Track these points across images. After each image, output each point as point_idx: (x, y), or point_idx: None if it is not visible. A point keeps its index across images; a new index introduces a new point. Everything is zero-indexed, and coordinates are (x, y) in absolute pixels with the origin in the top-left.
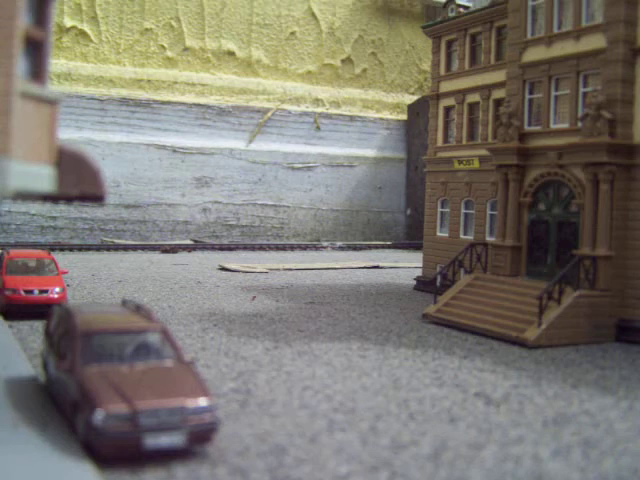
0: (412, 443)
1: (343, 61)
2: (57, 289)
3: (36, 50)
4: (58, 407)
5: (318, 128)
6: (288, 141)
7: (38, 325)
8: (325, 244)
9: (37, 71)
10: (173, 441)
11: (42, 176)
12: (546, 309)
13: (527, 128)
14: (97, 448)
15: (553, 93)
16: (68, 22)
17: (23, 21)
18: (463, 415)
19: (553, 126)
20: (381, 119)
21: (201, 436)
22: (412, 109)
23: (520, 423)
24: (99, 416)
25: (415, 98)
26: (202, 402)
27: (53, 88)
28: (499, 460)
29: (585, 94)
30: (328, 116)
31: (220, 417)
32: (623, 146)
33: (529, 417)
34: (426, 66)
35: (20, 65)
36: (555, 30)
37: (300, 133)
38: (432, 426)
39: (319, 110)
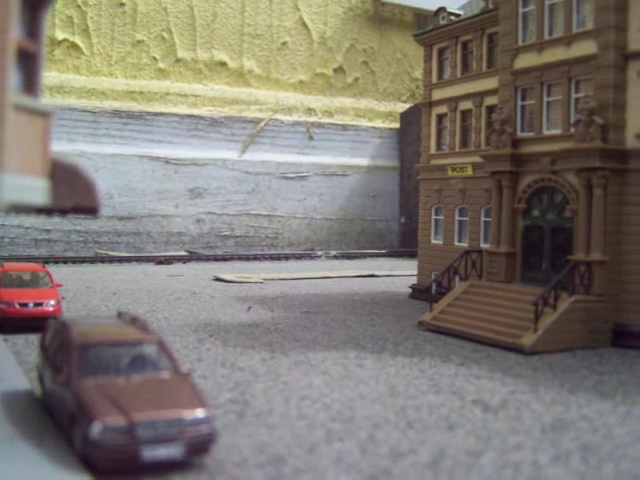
0: (411, 451)
1: (335, 70)
2: (52, 302)
3: (29, 62)
4: (54, 420)
5: (311, 137)
6: (281, 151)
7: (33, 338)
8: (319, 253)
9: (30, 83)
10: (171, 453)
11: (36, 189)
12: (542, 315)
13: (520, 134)
14: (94, 461)
15: (545, 99)
16: (60, 35)
17: (16, 34)
18: (461, 422)
19: (546, 132)
20: (374, 128)
21: (199, 447)
22: (404, 117)
23: (518, 430)
24: (96, 429)
25: (407, 106)
26: (199, 413)
27: (45, 101)
28: (498, 467)
29: (577, 100)
30: (321, 125)
31: (218, 428)
32: (616, 151)
33: (527, 423)
34: (418, 74)
35: (13, 77)
36: (546, 36)
37: (293, 143)
38: (430, 434)
39: (311, 119)
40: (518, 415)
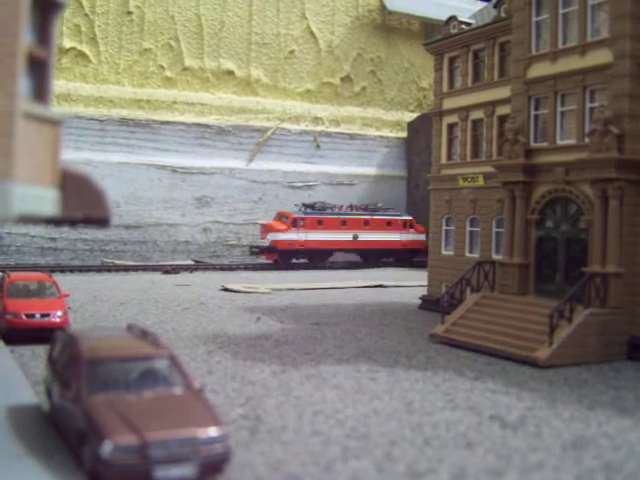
0: (430, 470)
1: (342, 79)
2: (59, 313)
3: (39, 69)
4: (63, 437)
5: (318, 147)
6: (288, 160)
7: (40, 350)
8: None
9: (40, 91)
10: (184, 473)
11: (45, 199)
12: (557, 328)
13: (533, 144)
14: None
15: (559, 109)
16: (67, 43)
17: (26, 39)
18: (479, 440)
19: (560, 142)
20: (381, 137)
21: (212, 467)
22: (412, 127)
23: (538, 447)
24: (107, 448)
25: (415, 115)
26: (213, 432)
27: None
28: None
29: (592, 109)
30: (328, 134)
31: (231, 445)
32: (632, 161)
33: (547, 441)
34: (425, 84)
35: (23, 85)
36: (560, 45)
37: (300, 152)
38: (449, 452)
39: (319, 129)
40: (537, 432)
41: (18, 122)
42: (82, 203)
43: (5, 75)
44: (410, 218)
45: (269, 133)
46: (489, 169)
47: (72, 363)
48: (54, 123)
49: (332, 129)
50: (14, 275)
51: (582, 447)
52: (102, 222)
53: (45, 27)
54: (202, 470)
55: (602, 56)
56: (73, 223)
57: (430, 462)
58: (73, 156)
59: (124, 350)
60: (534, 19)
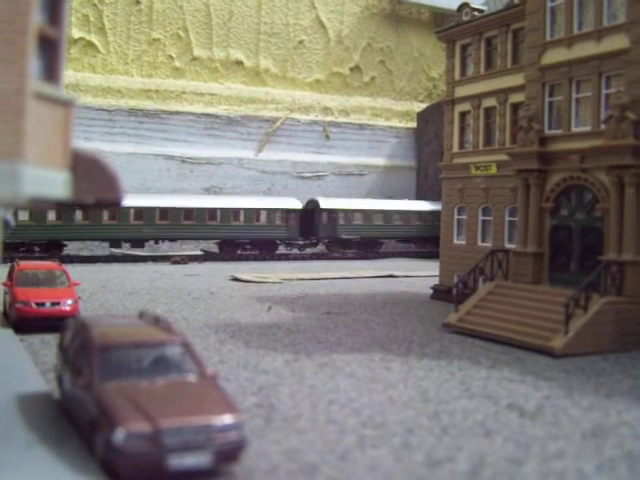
0: (448, 459)
1: (351, 69)
2: (69, 301)
3: (50, 49)
4: (74, 425)
5: (327, 137)
6: (297, 150)
7: (50, 338)
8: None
9: (51, 71)
10: (198, 461)
11: (57, 181)
12: (572, 317)
13: (548, 132)
14: (117, 469)
15: (574, 95)
16: (76, 33)
17: (37, 18)
18: (498, 428)
19: (575, 129)
20: (390, 127)
21: (228, 455)
22: (421, 117)
23: (558, 436)
24: (120, 435)
25: (424, 105)
26: (228, 419)
27: None
28: (542, 476)
29: (607, 96)
30: (337, 125)
31: (246, 434)
32: None
33: (566, 430)
34: (435, 73)
35: (34, 64)
36: (575, 31)
37: (309, 142)
38: (467, 440)
39: (328, 119)
40: (556, 420)
41: (29, 101)
42: (93, 185)
43: (15, 53)
44: None
45: (278, 123)
46: (502, 157)
47: (84, 350)
48: (65, 104)
49: (341, 119)
50: (23, 264)
51: (602, 436)
52: (114, 204)
53: (56, 7)
54: (217, 458)
55: (618, 41)
56: (84, 206)
57: (448, 451)
58: (82, 146)
59: (137, 336)
60: (549, 4)
